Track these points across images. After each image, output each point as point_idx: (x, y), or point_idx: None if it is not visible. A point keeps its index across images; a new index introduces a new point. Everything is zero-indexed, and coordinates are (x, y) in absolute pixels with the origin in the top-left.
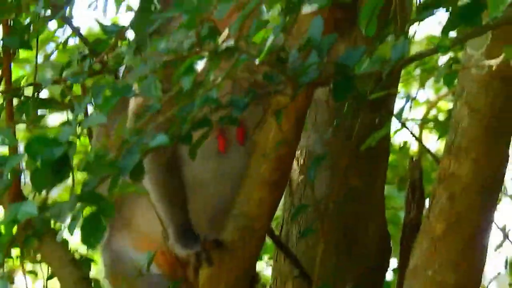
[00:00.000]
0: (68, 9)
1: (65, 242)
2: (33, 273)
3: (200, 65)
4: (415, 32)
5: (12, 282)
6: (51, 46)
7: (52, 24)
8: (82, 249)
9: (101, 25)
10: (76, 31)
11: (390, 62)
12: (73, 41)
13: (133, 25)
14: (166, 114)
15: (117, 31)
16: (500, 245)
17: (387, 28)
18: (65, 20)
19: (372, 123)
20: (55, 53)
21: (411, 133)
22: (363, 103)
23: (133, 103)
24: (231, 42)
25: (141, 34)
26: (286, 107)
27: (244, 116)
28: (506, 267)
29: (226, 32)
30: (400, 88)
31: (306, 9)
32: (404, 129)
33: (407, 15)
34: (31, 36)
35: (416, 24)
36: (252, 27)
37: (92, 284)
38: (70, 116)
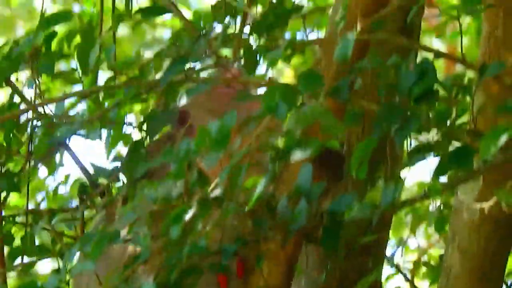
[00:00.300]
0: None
1: None
2: None
3: (188, 215)
4: (405, 178)
5: None
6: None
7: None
8: None
9: (94, 166)
10: (76, 161)
11: (380, 208)
12: (64, 189)
13: (123, 168)
14: (154, 263)
15: (109, 172)
16: None
17: (378, 172)
18: (66, 149)
19: (363, 268)
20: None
21: (404, 275)
22: (354, 248)
23: (123, 250)
24: (219, 191)
25: (130, 178)
26: (276, 255)
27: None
28: None
29: (215, 181)
30: (391, 234)
31: (295, 157)
32: (395, 278)
33: (398, 159)
34: (21, 183)
35: (407, 170)
36: (241, 174)
37: None
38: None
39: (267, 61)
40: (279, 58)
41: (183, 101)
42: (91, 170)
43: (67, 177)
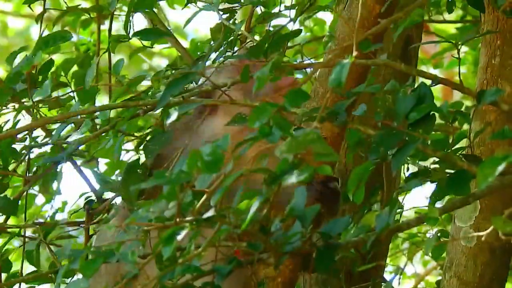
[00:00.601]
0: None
1: None
2: None
3: (181, 235)
4: (403, 205)
5: None
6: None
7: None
8: None
9: (99, 176)
10: (81, 174)
11: (376, 231)
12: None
13: (119, 189)
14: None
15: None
16: None
17: (374, 197)
18: (71, 163)
19: None
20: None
21: None
22: (353, 273)
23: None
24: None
25: (127, 197)
26: (274, 280)
27: None
28: None
29: (204, 197)
30: (389, 261)
31: (288, 181)
32: None
33: (394, 184)
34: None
35: (403, 197)
36: (236, 198)
37: None
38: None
39: (256, 81)
40: (266, 77)
41: None
42: (95, 184)
43: (64, 203)
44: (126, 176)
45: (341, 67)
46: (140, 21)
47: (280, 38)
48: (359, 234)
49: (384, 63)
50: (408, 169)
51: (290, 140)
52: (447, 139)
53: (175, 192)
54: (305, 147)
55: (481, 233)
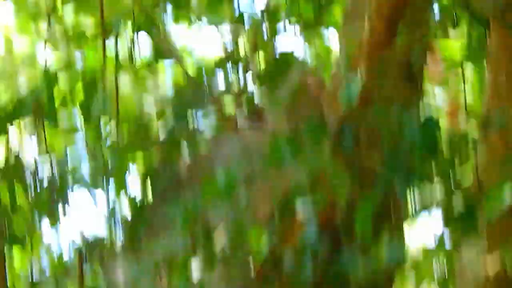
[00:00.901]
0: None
1: None
2: None
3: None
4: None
5: None
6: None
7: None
8: None
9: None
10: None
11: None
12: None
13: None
14: None
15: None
16: None
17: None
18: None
19: None
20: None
21: None
22: None
23: None
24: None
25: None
26: None
27: None
28: None
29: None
30: None
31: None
32: None
33: (401, 212)
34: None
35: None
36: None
37: None
38: None
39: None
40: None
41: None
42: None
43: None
44: (133, 219)
45: (352, 84)
46: (144, 38)
47: (286, 63)
48: (370, 268)
49: (391, 84)
50: (414, 196)
51: (302, 160)
52: (453, 164)
53: (189, 223)
54: (317, 166)
55: (488, 265)
